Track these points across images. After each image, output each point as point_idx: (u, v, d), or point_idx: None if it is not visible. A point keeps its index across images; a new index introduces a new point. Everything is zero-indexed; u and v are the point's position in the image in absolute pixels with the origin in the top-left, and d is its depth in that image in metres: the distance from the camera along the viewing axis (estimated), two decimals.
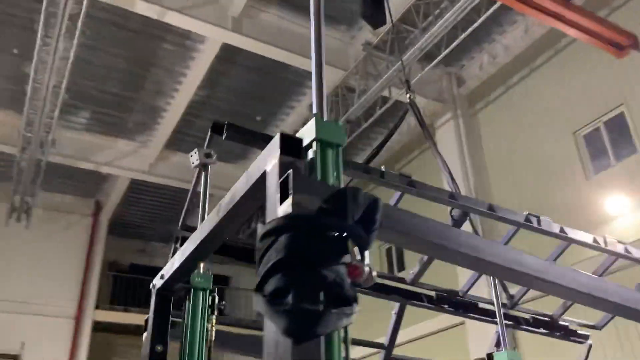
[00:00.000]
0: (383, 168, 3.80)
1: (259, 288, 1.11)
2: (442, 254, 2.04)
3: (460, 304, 4.58)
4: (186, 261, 2.06)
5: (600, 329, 4.97)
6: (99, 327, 15.93)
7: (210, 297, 2.39)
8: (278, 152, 1.38)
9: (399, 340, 4.64)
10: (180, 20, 10.37)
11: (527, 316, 4.91)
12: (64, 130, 13.61)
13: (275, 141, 1.46)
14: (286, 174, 1.26)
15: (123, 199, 16.40)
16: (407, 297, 4.43)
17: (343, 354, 1.19)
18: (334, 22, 11.50)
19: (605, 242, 4.39)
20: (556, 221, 4.15)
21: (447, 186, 5.63)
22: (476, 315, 4.69)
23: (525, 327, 4.85)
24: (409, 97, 5.44)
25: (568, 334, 4.97)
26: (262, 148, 3.54)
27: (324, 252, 1.14)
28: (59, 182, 15.70)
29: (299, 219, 1.17)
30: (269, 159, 1.43)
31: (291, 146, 1.43)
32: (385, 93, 11.64)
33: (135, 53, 11.82)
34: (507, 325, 4.82)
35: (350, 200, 1.24)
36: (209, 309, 2.38)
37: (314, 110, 1.57)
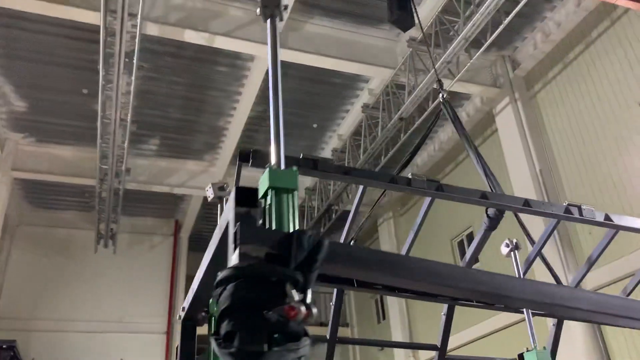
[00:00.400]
0: (410, 175, 3.87)
1: (216, 333, 1.28)
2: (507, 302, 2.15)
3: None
4: (199, 292, 2.27)
5: None
6: None
7: None
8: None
9: (459, 342, 4.67)
10: (227, 43, 10.79)
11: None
12: (136, 158, 14.50)
13: (234, 193, 1.64)
14: (236, 226, 1.43)
15: (199, 216, 17.21)
16: (454, 298, 4.46)
17: None
18: (376, 23, 11.53)
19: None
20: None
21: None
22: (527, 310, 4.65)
23: None
24: (442, 97, 5.43)
25: None
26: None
27: (265, 297, 1.30)
28: (139, 206, 16.72)
29: (240, 269, 1.33)
30: (231, 210, 1.61)
31: (247, 197, 1.59)
32: (436, 86, 11.52)
33: (192, 79, 12.41)
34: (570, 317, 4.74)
35: (294, 245, 1.38)
36: None
37: (272, 161, 1.73)
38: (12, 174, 13.92)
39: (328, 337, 4.20)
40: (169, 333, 16.63)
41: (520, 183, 11.53)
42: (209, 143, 14.60)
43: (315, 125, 14.20)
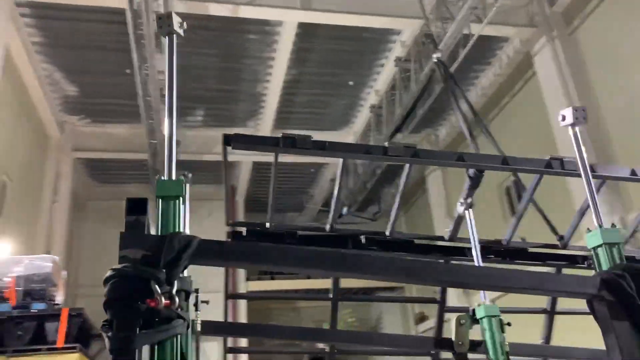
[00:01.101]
0: (387, 144, 4.02)
1: (104, 323, 1.61)
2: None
3: (506, 252, 4.67)
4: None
5: None
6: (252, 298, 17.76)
7: (194, 297, 2.95)
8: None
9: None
10: (252, 12, 10.98)
11: (587, 253, 4.82)
12: (185, 130, 15.15)
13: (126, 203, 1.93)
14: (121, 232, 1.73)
15: (251, 180, 17.85)
16: (449, 254, 4.64)
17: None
18: None
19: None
20: None
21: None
22: (525, 261, 4.76)
23: (582, 265, 4.79)
24: (436, 57, 5.39)
25: None
26: (267, 150, 4.00)
27: (135, 292, 1.60)
28: (195, 175, 17.47)
29: (116, 270, 1.63)
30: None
31: (136, 206, 1.88)
32: (465, 31, 11.26)
33: (225, 49, 12.73)
34: (563, 266, 4.82)
35: (165, 246, 1.67)
36: (194, 306, 2.94)
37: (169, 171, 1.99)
38: (73, 155, 14.94)
39: None
40: (234, 291, 17.65)
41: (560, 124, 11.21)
42: (251, 110, 15.00)
43: (351, 83, 14.24)
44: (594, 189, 2.73)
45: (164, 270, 1.62)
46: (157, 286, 1.60)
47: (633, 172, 4.18)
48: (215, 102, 14.60)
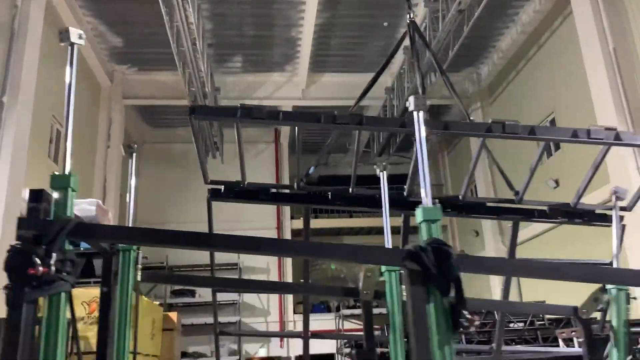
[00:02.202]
0: (336, 113, 4.34)
1: (6, 285, 2.20)
2: None
3: (464, 206, 4.97)
4: None
5: (629, 210, 4.87)
6: (295, 234, 18.66)
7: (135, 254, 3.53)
8: None
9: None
10: None
11: (543, 207, 5.04)
12: (225, 76, 15.73)
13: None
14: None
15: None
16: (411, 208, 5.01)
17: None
18: None
19: (589, 133, 4.32)
20: None
21: None
22: (481, 215, 5.07)
23: (540, 218, 5.03)
24: (409, 17, 5.48)
25: (592, 219, 5.00)
26: (227, 120, 4.44)
27: (22, 263, 2.16)
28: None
29: (12, 247, 2.20)
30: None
31: (36, 195, 2.42)
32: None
33: None
34: (519, 219, 5.07)
35: (48, 228, 2.21)
36: (134, 263, 3.52)
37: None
38: (123, 102, 15.91)
39: None
40: (279, 228, 18.63)
41: (593, 63, 10.87)
42: (287, 54, 15.30)
43: (386, 24, 14.17)
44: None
45: (44, 247, 2.19)
46: (36, 259, 2.16)
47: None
48: (252, 48, 14.99)
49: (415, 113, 2.75)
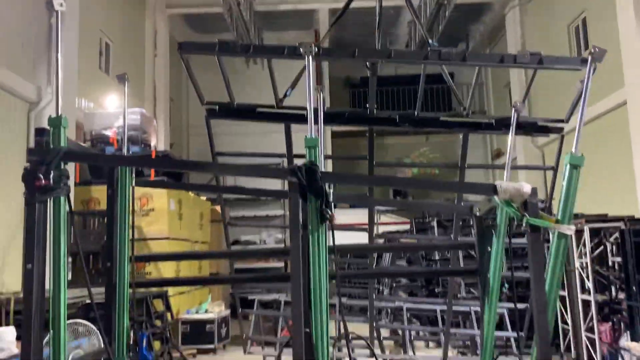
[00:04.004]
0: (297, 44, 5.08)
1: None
2: None
3: (419, 121, 5.75)
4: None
5: (567, 122, 5.47)
6: (337, 135, 19.70)
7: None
8: None
9: None
10: None
11: (488, 120, 5.72)
12: None
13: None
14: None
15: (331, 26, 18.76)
16: (374, 123, 5.84)
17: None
18: None
19: (515, 59, 4.90)
20: None
21: None
22: (435, 129, 5.83)
23: (487, 130, 5.74)
24: None
25: (536, 130, 5.67)
26: (208, 54, 5.40)
27: (32, 177, 3.29)
28: (276, 24, 18.86)
29: (25, 167, 3.31)
30: None
31: (41, 132, 3.50)
32: None
33: None
34: (468, 131, 5.81)
35: (46, 154, 3.31)
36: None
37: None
38: (167, 12, 16.81)
39: None
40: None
41: None
42: None
43: None
44: None
45: (44, 167, 3.29)
46: (40, 175, 3.27)
47: None
48: None
49: None
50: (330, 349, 3.72)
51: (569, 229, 3.17)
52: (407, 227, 16.07)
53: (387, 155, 21.83)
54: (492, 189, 3.18)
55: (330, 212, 3.32)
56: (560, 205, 3.21)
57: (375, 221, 14.92)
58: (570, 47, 13.95)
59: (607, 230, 8.02)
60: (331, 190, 3.59)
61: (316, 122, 4.02)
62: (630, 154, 10.53)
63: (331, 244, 3.42)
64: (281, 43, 20.02)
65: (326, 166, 17.28)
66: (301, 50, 3.80)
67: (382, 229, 17.09)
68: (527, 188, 3.16)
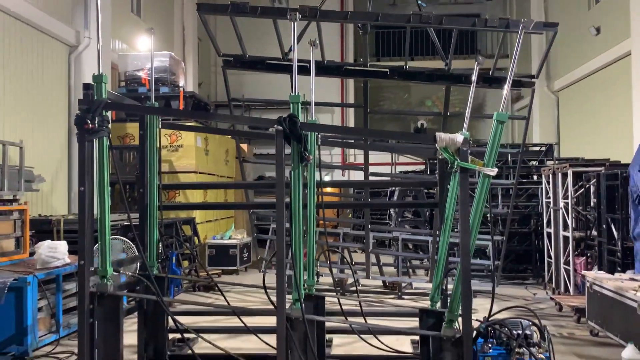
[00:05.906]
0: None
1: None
2: None
3: (407, 73, 6.54)
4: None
5: (536, 77, 6.21)
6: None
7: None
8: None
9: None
10: None
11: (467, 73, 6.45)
12: None
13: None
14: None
15: None
16: (369, 76, 6.66)
17: None
18: None
19: (485, 22, 5.64)
20: None
21: None
22: (420, 81, 6.63)
23: (466, 83, 6.50)
24: None
25: (512, 85, 6.40)
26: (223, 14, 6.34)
27: (82, 121, 4.31)
28: None
29: (76, 113, 4.30)
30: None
31: (88, 86, 4.47)
32: None
33: None
34: (449, 84, 6.58)
35: (91, 104, 4.29)
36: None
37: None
38: None
39: None
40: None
41: None
42: None
43: None
44: None
45: (91, 114, 4.27)
46: (87, 120, 4.26)
47: None
48: None
49: None
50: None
51: (492, 171, 4.06)
52: (423, 167, 16.94)
53: (410, 96, 22.38)
54: (433, 139, 4.08)
55: (307, 154, 4.27)
56: (487, 152, 4.09)
57: (393, 162, 15.69)
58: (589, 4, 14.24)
59: (589, 173, 8.76)
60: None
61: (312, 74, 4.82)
62: (631, 103, 11.06)
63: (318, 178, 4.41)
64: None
65: (348, 114, 17.95)
66: (287, 16, 4.59)
67: (399, 168, 17.97)
68: (459, 138, 4.04)
